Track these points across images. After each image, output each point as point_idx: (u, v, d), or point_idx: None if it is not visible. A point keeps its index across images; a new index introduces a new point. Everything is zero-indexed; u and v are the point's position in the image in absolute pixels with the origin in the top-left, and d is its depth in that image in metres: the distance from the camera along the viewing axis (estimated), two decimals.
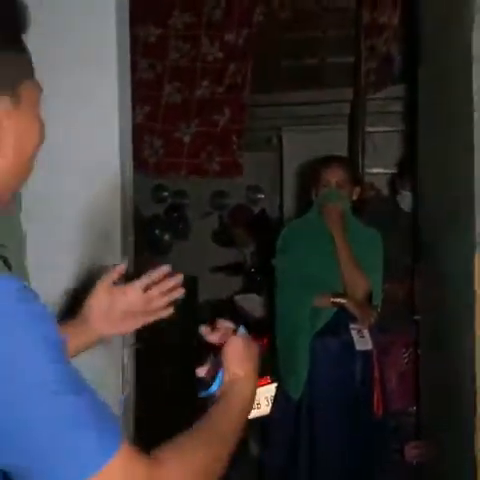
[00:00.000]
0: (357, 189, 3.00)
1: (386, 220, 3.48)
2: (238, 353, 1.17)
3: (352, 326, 2.85)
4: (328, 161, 2.98)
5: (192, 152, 5.39)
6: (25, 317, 0.79)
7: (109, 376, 2.32)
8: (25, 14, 0.86)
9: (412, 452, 3.26)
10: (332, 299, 2.84)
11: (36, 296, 0.83)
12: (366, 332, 2.86)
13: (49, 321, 0.82)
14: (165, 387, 4.86)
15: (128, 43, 2.45)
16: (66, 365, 0.81)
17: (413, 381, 3.29)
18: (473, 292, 2.11)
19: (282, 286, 2.96)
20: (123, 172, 2.35)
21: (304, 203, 3.08)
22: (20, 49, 0.88)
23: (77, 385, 0.81)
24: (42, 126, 0.92)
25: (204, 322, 1.32)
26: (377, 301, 2.91)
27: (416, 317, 3.08)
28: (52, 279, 2.23)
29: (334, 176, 2.90)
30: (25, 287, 0.82)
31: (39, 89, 0.92)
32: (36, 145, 0.91)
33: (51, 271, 2.24)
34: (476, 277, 2.11)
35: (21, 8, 0.85)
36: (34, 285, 2.18)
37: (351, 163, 3.37)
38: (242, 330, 1.28)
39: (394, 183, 4.07)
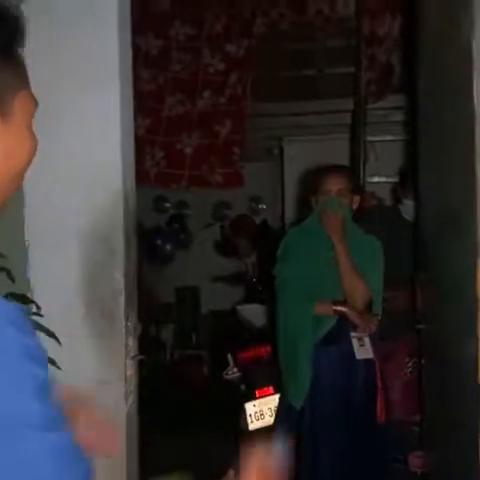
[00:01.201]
0: (357, 198, 3.01)
1: (388, 229, 3.48)
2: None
3: (353, 334, 2.85)
4: (328, 170, 2.99)
5: (194, 164, 5.41)
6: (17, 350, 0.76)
7: (113, 387, 2.32)
8: (18, 26, 0.84)
9: (416, 461, 3.25)
10: (333, 307, 2.84)
11: (32, 331, 0.81)
12: (367, 341, 2.86)
13: (39, 361, 0.78)
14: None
15: (130, 56, 2.47)
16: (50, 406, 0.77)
17: (417, 390, 3.28)
18: (475, 299, 2.11)
19: (282, 295, 2.96)
20: (125, 184, 2.36)
21: (305, 212, 3.09)
22: (12, 61, 0.86)
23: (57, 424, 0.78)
24: (34, 140, 0.90)
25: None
26: (377, 309, 2.91)
27: (419, 326, 3.07)
28: (55, 291, 2.24)
29: (334, 184, 2.91)
30: (23, 316, 0.80)
31: (34, 102, 0.90)
32: (26, 160, 0.89)
33: (54, 283, 2.24)
34: (478, 284, 2.11)
35: (13, 20, 0.84)
36: (37, 296, 2.19)
37: (351, 172, 3.38)
38: (279, 446, 1.18)
39: (396, 192, 4.08)
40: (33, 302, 2.20)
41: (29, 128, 0.89)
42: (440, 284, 2.70)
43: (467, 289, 2.19)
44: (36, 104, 0.91)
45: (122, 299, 2.33)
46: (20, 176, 0.90)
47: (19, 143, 0.87)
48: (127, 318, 2.35)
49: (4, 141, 0.85)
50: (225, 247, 6.10)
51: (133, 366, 2.39)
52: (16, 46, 0.85)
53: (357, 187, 3.17)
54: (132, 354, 2.37)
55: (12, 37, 0.83)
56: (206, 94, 5.36)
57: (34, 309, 2.21)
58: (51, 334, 2.18)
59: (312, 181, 3.03)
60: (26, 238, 2.29)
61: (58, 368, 2.20)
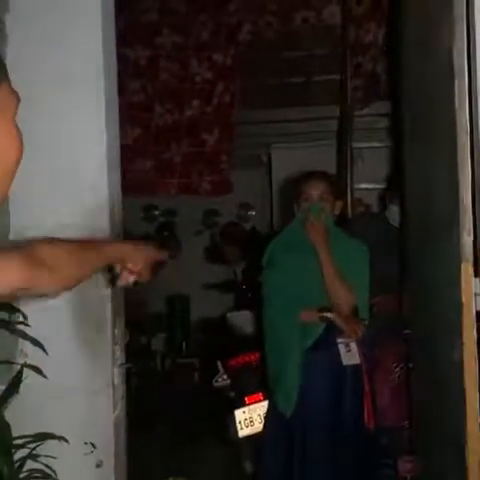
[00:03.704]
0: (339, 203, 3.02)
1: (375, 235, 3.50)
2: None
3: (339, 340, 2.85)
4: (308, 176, 3.01)
5: (183, 172, 5.44)
6: None
7: (100, 396, 2.32)
8: None
9: (405, 466, 3.25)
10: (318, 314, 2.85)
11: None
12: (354, 346, 2.86)
13: None
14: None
15: (115, 65, 2.48)
16: None
17: (406, 395, 3.29)
18: (460, 303, 2.13)
19: (268, 302, 2.96)
20: (111, 194, 2.37)
21: (292, 219, 3.10)
22: None
23: None
24: (20, 136, 0.89)
25: None
26: (363, 315, 2.92)
27: (406, 331, 3.09)
28: (41, 299, 2.24)
29: (315, 190, 2.92)
30: None
31: (16, 97, 0.89)
32: (15, 156, 0.88)
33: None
34: (462, 288, 2.13)
35: None
36: (23, 305, 2.18)
37: (332, 177, 3.40)
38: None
39: (384, 198, 4.11)
40: (19, 311, 2.20)
41: (13, 123, 0.87)
42: (426, 289, 2.72)
43: (451, 294, 2.21)
44: (18, 99, 0.89)
45: (109, 307, 2.34)
46: (11, 173, 0.89)
47: (6, 138, 0.86)
48: (114, 326, 2.35)
49: None
50: (214, 254, 6.11)
51: (120, 374, 2.39)
52: None
53: (339, 192, 3.18)
54: (119, 362, 2.37)
55: None
56: (194, 103, 5.39)
57: (20, 318, 2.22)
58: (37, 343, 2.18)
59: (294, 187, 3.04)
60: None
61: (44, 377, 2.20)
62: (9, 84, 0.87)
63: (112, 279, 1.50)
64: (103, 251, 1.39)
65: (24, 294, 1.15)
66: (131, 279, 1.46)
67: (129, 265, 1.44)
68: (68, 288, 1.24)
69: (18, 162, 0.88)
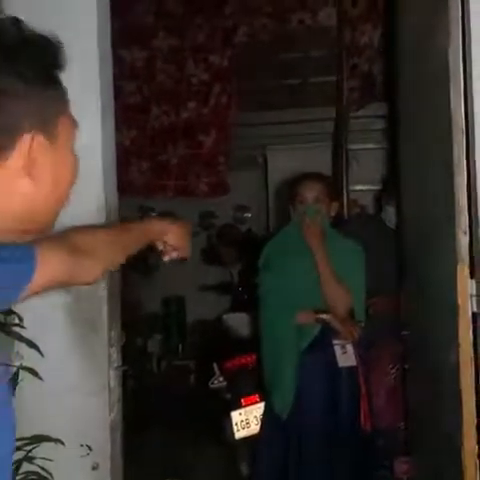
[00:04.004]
0: (335, 204, 3.03)
1: (371, 236, 3.50)
2: None
3: (335, 342, 2.86)
4: (303, 178, 3.01)
5: (180, 174, 5.44)
6: None
7: (96, 398, 2.32)
8: (61, 52, 0.88)
9: (401, 468, 3.25)
10: (315, 315, 2.85)
11: None
12: (349, 348, 2.86)
13: None
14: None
15: (111, 67, 2.47)
16: None
17: (402, 397, 3.29)
18: (456, 305, 2.14)
19: (265, 304, 2.96)
20: (107, 196, 2.37)
21: (288, 221, 3.10)
22: (56, 86, 0.90)
23: None
24: (76, 161, 0.94)
25: None
26: (360, 316, 2.92)
27: (403, 332, 3.09)
28: (37, 301, 2.23)
29: (310, 192, 2.92)
30: None
31: (74, 124, 0.94)
32: (70, 180, 0.94)
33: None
34: (458, 290, 2.13)
35: (57, 46, 0.88)
36: (18, 307, 2.17)
37: (327, 178, 3.40)
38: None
39: (379, 199, 4.11)
40: (14, 313, 2.20)
41: (72, 150, 0.93)
42: (422, 290, 2.72)
43: (447, 295, 2.21)
44: (76, 126, 0.95)
45: (105, 309, 2.33)
46: (66, 197, 0.94)
47: (64, 164, 0.91)
48: (110, 328, 2.35)
49: (52, 162, 0.89)
50: (211, 256, 6.10)
51: (117, 376, 2.39)
52: (58, 71, 0.89)
53: (335, 194, 3.19)
54: (115, 364, 2.36)
55: (55, 62, 0.88)
56: (190, 104, 5.39)
57: (16, 320, 2.21)
58: (33, 345, 2.18)
59: (289, 190, 3.05)
60: None
61: (40, 379, 2.20)
62: (70, 113, 0.93)
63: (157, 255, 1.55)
64: (142, 230, 1.45)
65: (65, 285, 1.20)
66: (174, 254, 1.53)
67: (171, 241, 1.50)
68: (108, 271, 1.31)
69: (72, 185, 0.95)
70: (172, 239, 1.50)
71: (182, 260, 1.55)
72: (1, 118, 0.83)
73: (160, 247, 1.51)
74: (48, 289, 1.15)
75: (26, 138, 0.85)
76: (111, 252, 1.33)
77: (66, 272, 1.17)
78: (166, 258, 1.54)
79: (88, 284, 1.28)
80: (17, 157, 0.85)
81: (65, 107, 0.93)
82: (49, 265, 1.12)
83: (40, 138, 0.86)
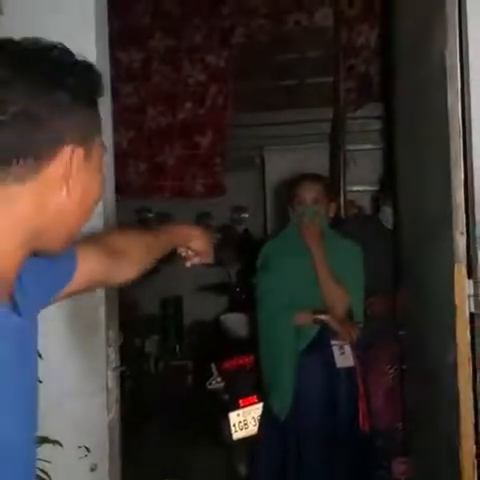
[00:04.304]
0: (333, 205, 3.03)
1: (368, 237, 3.51)
2: None
3: (333, 343, 2.86)
4: (301, 179, 3.01)
5: (176, 175, 5.44)
6: None
7: (94, 399, 2.32)
8: (102, 80, 0.95)
9: (400, 468, 3.26)
10: (313, 316, 2.85)
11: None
12: (347, 348, 2.87)
13: None
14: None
15: (108, 69, 2.47)
16: None
17: (400, 397, 3.30)
18: (453, 305, 2.14)
19: (263, 304, 2.96)
20: (105, 197, 2.36)
21: (286, 222, 3.11)
22: (96, 108, 0.96)
23: None
24: (102, 182, 0.99)
25: None
26: (358, 317, 2.92)
27: (400, 333, 3.09)
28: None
29: (309, 193, 2.93)
30: None
31: (104, 148, 0.99)
32: (97, 197, 0.98)
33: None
34: (456, 290, 2.13)
35: (99, 74, 0.94)
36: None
37: (325, 179, 3.41)
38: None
39: (377, 200, 4.11)
40: None
41: (101, 170, 0.98)
42: (419, 290, 2.73)
43: (445, 295, 2.22)
44: (106, 150, 1.00)
45: (103, 310, 2.33)
46: (91, 212, 0.99)
47: (93, 181, 0.96)
48: (108, 329, 2.35)
49: (85, 178, 0.93)
50: None
51: (115, 377, 2.39)
52: (98, 96, 0.95)
53: (332, 194, 3.19)
54: (113, 365, 2.36)
55: (98, 87, 0.94)
56: (187, 105, 5.39)
57: None
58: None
59: (287, 191, 3.05)
60: None
61: (39, 381, 2.19)
62: (102, 138, 0.98)
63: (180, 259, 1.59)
64: (171, 234, 1.51)
65: (102, 285, 1.24)
66: (197, 260, 1.57)
67: (194, 247, 1.54)
68: (141, 273, 1.35)
69: (99, 199, 0.99)
70: (196, 245, 1.54)
71: (205, 265, 1.59)
72: (47, 128, 0.87)
73: (183, 253, 1.56)
74: (86, 289, 1.19)
75: (67, 149, 0.89)
76: (144, 254, 1.37)
77: (104, 272, 1.22)
78: (188, 264, 1.57)
79: (122, 284, 1.34)
80: (58, 166, 0.89)
81: (100, 131, 0.98)
82: (88, 265, 1.18)
83: (80, 151, 0.91)
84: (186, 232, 1.55)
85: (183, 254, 1.55)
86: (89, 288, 1.22)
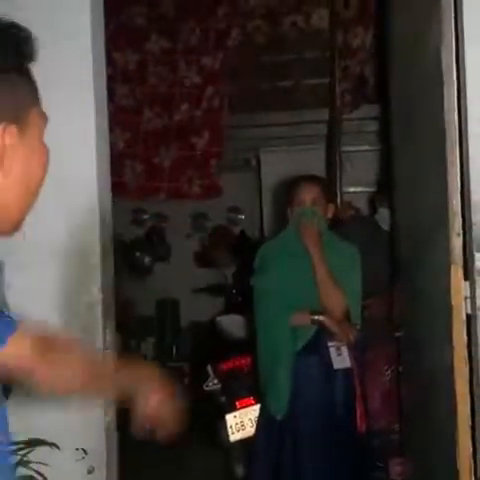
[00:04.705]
0: (331, 206, 3.04)
1: (365, 238, 3.51)
2: None
3: (330, 344, 2.86)
4: (300, 180, 3.02)
5: (172, 176, 5.44)
6: None
7: (92, 401, 2.31)
8: (31, 43, 0.87)
9: (396, 469, 3.26)
10: (310, 317, 2.85)
11: None
12: (344, 350, 2.87)
13: None
14: None
15: (104, 70, 2.47)
16: None
17: (397, 398, 3.30)
18: (450, 307, 2.14)
19: (260, 306, 2.96)
20: (101, 198, 2.36)
21: (283, 223, 3.11)
22: (25, 78, 0.89)
23: None
24: (47, 154, 0.93)
25: None
26: (356, 319, 2.93)
27: (397, 334, 3.10)
28: (32, 305, 2.22)
29: (307, 194, 2.93)
30: None
31: (44, 118, 0.92)
32: (41, 174, 0.92)
33: (30, 297, 2.23)
34: (452, 291, 2.14)
35: (27, 37, 0.87)
36: (15, 306, 2.17)
37: (323, 181, 3.41)
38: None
39: (374, 201, 4.12)
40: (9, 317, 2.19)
41: (41, 142, 0.92)
42: (416, 292, 2.73)
43: (441, 297, 2.22)
44: (46, 119, 0.93)
45: (99, 312, 2.33)
46: (36, 191, 0.92)
47: (34, 156, 0.90)
48: (105, 331, 2.34)
49: (23, 154, 0.87)
50: (204, 258, 6.10)
51: None
52: (27, 63, 0.87)
53: (330, 196, 3.20)
54: None
55: (24, 55, 0.86)
56: (183, 107, 5.39)
57: None
58: None
59: (286, 193, 3.05)
60: (0, 253, 2.27)
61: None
62: (40, 106, 0.92)
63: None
64: (125, 380, 1.27)
65: (20, 377, 1.11)
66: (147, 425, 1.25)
67: (146, 399, 1.23)
68: (68, 393, 1.22)
69: (43, 179, 0.92)
70: (150, 405, 1.23)
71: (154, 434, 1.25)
72: None
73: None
74: (8, 371, 1.05)
75: None
76: (77, 381, 1.19)
77: (30, 364, 1.09)
78: (134, 428, 1.25)
79: (42, 390, 1.21)
80: None
81: (36, 100, 0.91)
82: (24, 342, 1.09)
83: (12, 129, 0.85)
84: (136, 373, 1.28)
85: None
86: (13, 372, 1.08)
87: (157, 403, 1.24)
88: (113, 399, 1.26)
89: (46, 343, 1.15)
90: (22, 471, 2.18)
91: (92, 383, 1.25)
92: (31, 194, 0.92)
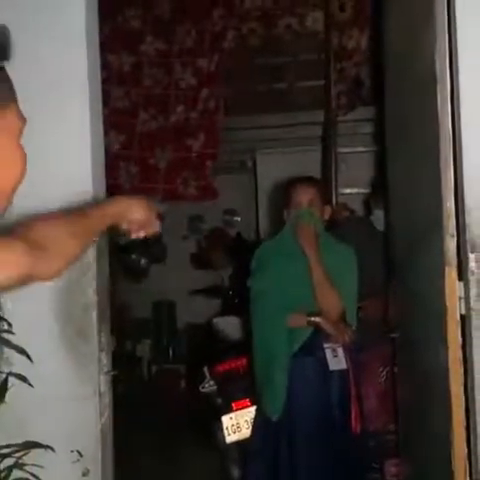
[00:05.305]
0: (328, 208, 3.04)
1: (360, 239, 3.52)
2: None
3: (326, 345, 2.86)
4: (297, 182, 3.02)
5: (168, 178, 5.44)
6: None
7: (87, 403, 2.31)
8: (6, 42, 0.86)
9: (392, 470, 3.27)
10: (307, 318, 2.85)
11: None
12: (340, 351, 2.87)
13: None
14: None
15: (99, 72, 2.47)
16: None
17: (392, 399, 3.31)
18: (444, 307, 2.15)
19: (257, 307, 2.96)
20: (96, 200, 2.36)
21: (279, 224, 3.11)
22: (4, 76, 0.87)
23: None
24: (23, 155, 0.90)
25: None
26: (351, 320, 2.93)
27: (393, 335, 3.10)
28: (26, 307, 2.22)
29: (304, 196, 2.94)
30: None
31: (22, 118, 0.90)
32: (17, 174, 0.89)
33: (25, 299, 2.23)
34: (446, 292, 2.14)
35: (4, 36, 0.85)
36: (7, 313, 2.17)
37: (320, 182, 3.42)
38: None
39: (369, 203, 4.13)
40: (3, 319, 2.19)
41: (18, 143, 0.90)
42: (411, 293, 2.74)
43: (436, 297, 2.23)
44: (24, 120, 0.91)
45: (94, 314, 2.32)
46: (10, 190, 0.90)
47: (10, 156, 0.88)
48: (100, 333, 2.34)
49: None
50: (200, 260, 6.10)
51: (107, 382, 2.38)
52: (2, 60, 0.86)
53: (327, 197, 3.20)
54: (105, 369, 2.36)
55: (1, 52, 0.85)
56: (179, 109, 5.39)
57: (5, 326, 2.20)
58: (22, 351, 2.17)
59: (283, 195, 3.05)
60: None
61: (30, 385, 2.19)
62: (17, 106, 0.89)
63: (123, 236, 1.47)
64: (101, 212, 1.35)
65: (26, 281, 1.08)
66: (141, 233, 1.45)
67: (134, 218, 1.41)
68: (72, 263, 1.20)
69: (19, 181, 0.89)
70: (136, 215, 1.41)
71: (153, 238, 1.48)
72: None
73: (124, 226, 1.42)
74: (8, 285, 1.05)
75: None
76: (72, 245, 1.20)
77: (29, 267, 1.06)
78: (134, 236, 1.45)
79: (49, 280, 1.18)
80: None
81: (13, 98, 0.89)
82: (9, 260, 1.03)
83: None
84: (122, 204, 1.40)
85: (123, 226, 1.41)
86: (13, 284, 1.07)
87: (137, 215, 1.40)
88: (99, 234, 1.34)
89: (29, 239, 1.07)
90: (17, 474, 2.18)
91: (84, 236, 1.24)
92: (3, 195, 0.89)
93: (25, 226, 1.10)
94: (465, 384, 2.11)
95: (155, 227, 1.47)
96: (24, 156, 0.91)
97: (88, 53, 2.32)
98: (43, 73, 2.29)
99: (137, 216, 1.41)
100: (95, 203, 1.43)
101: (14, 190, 0.90)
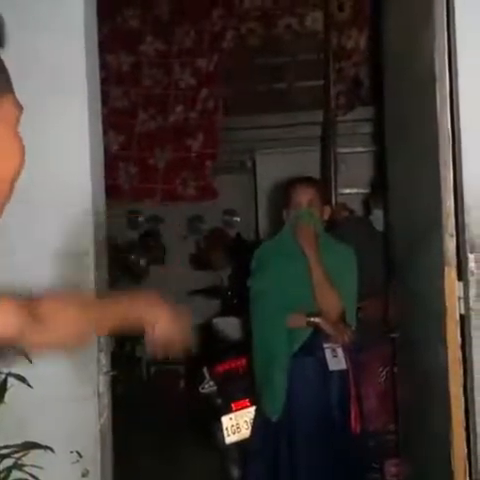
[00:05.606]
0: (327, 208, 3.05)
1: (360, 240, 3.52)
2: None
3: (326, 345, 2.86)
4: (297, 183, 3.02)
5: (167, 178, 5.43)
6: None
7: (86, 404, 2.31)
8: (1, 29, 0.85)
9: (392, 470, 3.27)
10: (306, 319, 2.85)
11: None
12: (340, 351, 2.87)
13: None
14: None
15: (98, 72, 2.47)
16: None
17: (392, 399, 3.30)
18: (444, 307, 2.15)
19: (256, 308, 2.96)
20: (95, 201, 2.36)
21: (278, 225, 3.11)
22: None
23: None
24: (21, 145, 0.89)
25: None
26: (351, 320, 2.93)
27: (393, 335, 3.10)
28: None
29: (304, 196, 2.94)
30: None
31: (19, 107, 0.89)
32: (15, 165, 0.88)
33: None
34: (446, 292, 2.14)
35: None
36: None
37: (320, 183, 3.42)
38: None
39: (368, 203, 4.13)
40: None
41: (15, 133, 0.88)
42: (410, 293, 2.74)
43: (435, 297, 2.23)
44: (21, 109, 0.89)
45: None
46: (10, 182, 0.88)
47: (8, 146, 0.86)
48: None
49: None
50: (200, 261, 6.10)
51: (106, 382, 2.38)
52: None
53: (327, 198, 3.20)
54: (105, 370, 2.35)
55: None
56: (178, 109, 5.39)
57: None
58: (21, 352, 2.16)
59: (282, 195, 3.05)
60: None
61: (29, 386, 2.19)
62: (13, 95, 0.88)
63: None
64: (116, 308, 1.21)
65: (15, 343, 1.04)
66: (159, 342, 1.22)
67: (152, 325, 1.21)
68: (69, 347, 1.12)
69: (18, 172, 0.88)
70: (151, 321, 1.21)
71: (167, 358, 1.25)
72: None
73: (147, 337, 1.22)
74: None
75: None
76: (76, 325, 1.11)
77: (18, 330, 1.02)
78: (148, 348, 1.24)
79: (41, 351, 1.16)
80: None
81: (8, 87, 0.87)
82: (7, 309, 1.00)
83: None
84: (132, 304, 1.23)
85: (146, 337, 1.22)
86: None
87: (164, 325, 1.22)
88: (115, 330, 1.19)
89: (31, 306, 1.05)
90: (17, 474, 2.18)
91: (90, 326, 1.16)
92: (2, 190, 0.87)
93: (39, 297, 1.08)
94: (465, 384, 2.11)
95: (179, 342, 1.26)
96: (22, 146, 0.89)
97: (87, 53, 2.32)
98: (41, 73, 2.29)
99: (155, 323, 1.22)
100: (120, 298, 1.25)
101: (13, 182, 0.89)
